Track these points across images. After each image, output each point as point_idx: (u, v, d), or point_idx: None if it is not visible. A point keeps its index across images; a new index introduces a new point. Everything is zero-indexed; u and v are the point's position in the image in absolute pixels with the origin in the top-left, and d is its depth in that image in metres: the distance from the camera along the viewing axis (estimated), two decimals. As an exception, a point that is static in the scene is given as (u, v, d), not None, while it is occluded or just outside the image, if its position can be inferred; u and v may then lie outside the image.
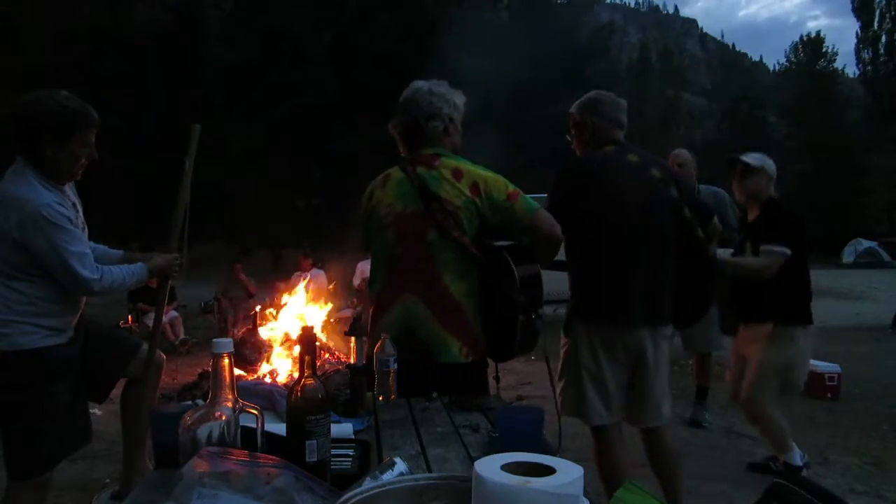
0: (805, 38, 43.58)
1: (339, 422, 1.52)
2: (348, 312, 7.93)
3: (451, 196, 1.98)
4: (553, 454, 0.99)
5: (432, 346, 1.99)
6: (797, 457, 3.45)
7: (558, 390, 2.57)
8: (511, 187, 2.03)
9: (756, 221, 3.47)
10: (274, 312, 6.67)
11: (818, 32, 43.69)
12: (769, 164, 3.50)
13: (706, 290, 2.67)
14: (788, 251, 3.25)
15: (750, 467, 3.73)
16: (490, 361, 2.15)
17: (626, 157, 2.53)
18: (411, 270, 2.04)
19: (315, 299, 7.14)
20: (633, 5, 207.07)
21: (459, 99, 2.18)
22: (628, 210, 2.44)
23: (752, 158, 3.49)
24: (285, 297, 6.93)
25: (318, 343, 4.65)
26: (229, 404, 1.07)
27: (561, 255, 2.67)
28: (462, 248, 1.97)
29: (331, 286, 8.67)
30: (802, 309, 3.42)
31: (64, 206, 2.20)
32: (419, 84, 2.16)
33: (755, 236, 3.40)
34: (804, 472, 3.43)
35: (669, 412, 2.64)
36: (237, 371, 2.28)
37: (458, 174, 2.00)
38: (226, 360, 1.08)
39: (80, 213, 2.38)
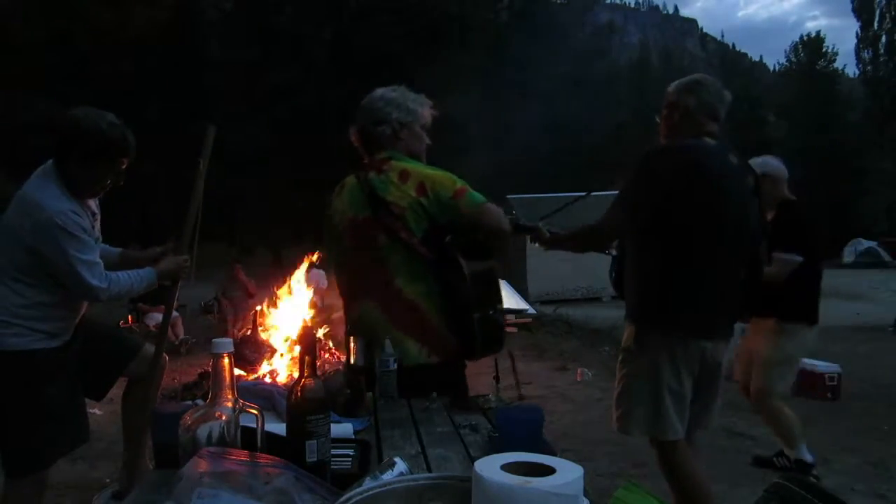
0: (805, 38, 43.56)
1: (339, 422, 1.51)
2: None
3: (397, 199, 1.98)
4: (553, 454, 0.99)
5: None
6: (806, 453, 3.46)
7: (621, 408, 2.36)
8: (458, 184, 2.01)
9: (771, 223, 3.33)
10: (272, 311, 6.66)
11: (818, 32, 43.69)
12: (772, 167, 3.42)
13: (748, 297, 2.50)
14: (799, 258, 3.24)
15: (755, 461, 3.76)
16: (492, 361, 2.14)
17: (728, 156, 2.28)
18: (366, 276, 2.06)
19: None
20: (633, 5, 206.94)
21: (417, 104, 2.15)
22: (729, 217, 2.22)
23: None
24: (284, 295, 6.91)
25: (318, 343, 4.65)
26: (229, 404, 1.07)
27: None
28: (411, 250, 1.98)
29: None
30: (806, 308, 3.42)
31: (80, 215, 2.21)
32: (375, 91, 2.17)
33: (769, 239, 3.31)
34: (814, 471, 3.44)
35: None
36: (237, 371, 2.28)
37: (404, 176, 2.00)
38: (226, 360, 1.08)
39: (98, 223, 2.41)
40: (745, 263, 2.35)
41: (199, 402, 1.26)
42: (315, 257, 8.28)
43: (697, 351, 2.25)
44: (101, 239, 2.43)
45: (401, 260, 2.00)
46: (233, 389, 1.08)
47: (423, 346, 2.00)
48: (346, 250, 2.12)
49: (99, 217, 2.43)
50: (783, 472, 3.49)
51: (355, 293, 2.11)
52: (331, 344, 5.88)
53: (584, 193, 3.24)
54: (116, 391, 2.75)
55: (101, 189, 2.35)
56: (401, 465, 1.02)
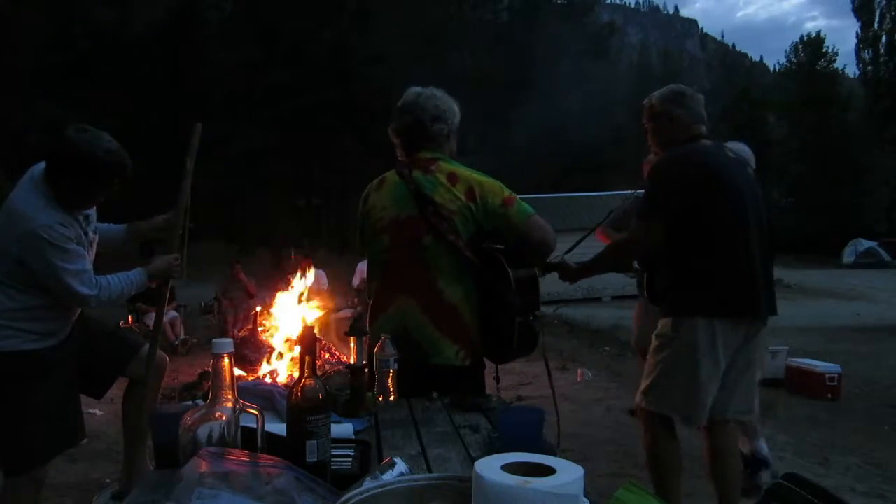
0: (805, 39, 43.51)
1: (339, 422, 1.51)
2: (348, 312, 7.92)
3: (445, 200, 1.97)
4: (553, 454, 0.99)
5: (424, 347, 1.99)
6: (763, 447, 3.39)
7: (656, 390, 2.45)
8: (507, 192, 2.01)
9: None
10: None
11: (818, 32, 43.64)
12: (744, 153, 3.23)
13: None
14: None
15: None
16: (490, 363, 2.14)
17: (725, 152, 2.50)
18: (406, 274, 2.04)
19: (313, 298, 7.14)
20: (633, 5, 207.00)
21: (457, 106, 2.18)
22: (746, 203, 2.39)
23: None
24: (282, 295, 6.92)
25: (318, 343, 4.65)
26: (229, 404, 1.07)
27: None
28: (457, 253, 1.97)
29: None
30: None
31: (67, 226, 2.19)
32: (419, 89, 2.15)
33: None
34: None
35: (758, 407, 2.57)
36: (237, 371, 2.28)
37: (453, 178, 1.99)
38: (226, 361, 1.08)
39: (92, 223, 2.39)
40: (768, 245, 2.45)
41: (199, 402, 1.26)
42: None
43: (740, 330, 2.36)
44: (96, 240, 2.41)
45: (445, 262, 1.99)
46: (233, 389, 1.08)
47: (461, 349, 2.01)
48: (386, 247, 2.09)
49: (94, 216, 2.41)
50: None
51: (393, 289, 2.08)
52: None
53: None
54: (116, 391, 2.74)
55: (92, 205, 2.33)
56: (401, 466, 1.02)
